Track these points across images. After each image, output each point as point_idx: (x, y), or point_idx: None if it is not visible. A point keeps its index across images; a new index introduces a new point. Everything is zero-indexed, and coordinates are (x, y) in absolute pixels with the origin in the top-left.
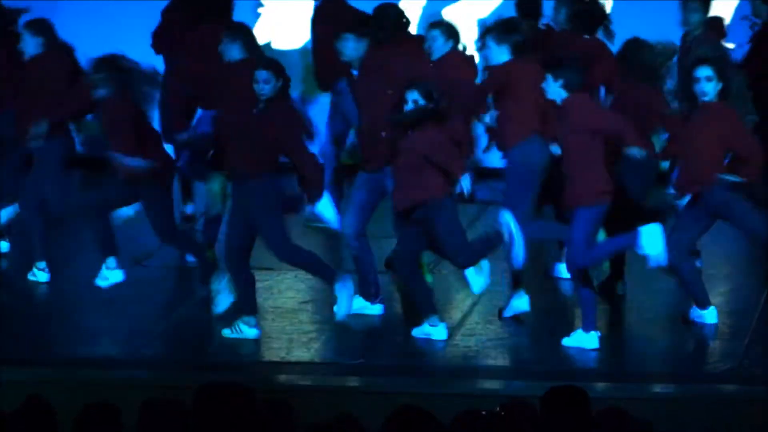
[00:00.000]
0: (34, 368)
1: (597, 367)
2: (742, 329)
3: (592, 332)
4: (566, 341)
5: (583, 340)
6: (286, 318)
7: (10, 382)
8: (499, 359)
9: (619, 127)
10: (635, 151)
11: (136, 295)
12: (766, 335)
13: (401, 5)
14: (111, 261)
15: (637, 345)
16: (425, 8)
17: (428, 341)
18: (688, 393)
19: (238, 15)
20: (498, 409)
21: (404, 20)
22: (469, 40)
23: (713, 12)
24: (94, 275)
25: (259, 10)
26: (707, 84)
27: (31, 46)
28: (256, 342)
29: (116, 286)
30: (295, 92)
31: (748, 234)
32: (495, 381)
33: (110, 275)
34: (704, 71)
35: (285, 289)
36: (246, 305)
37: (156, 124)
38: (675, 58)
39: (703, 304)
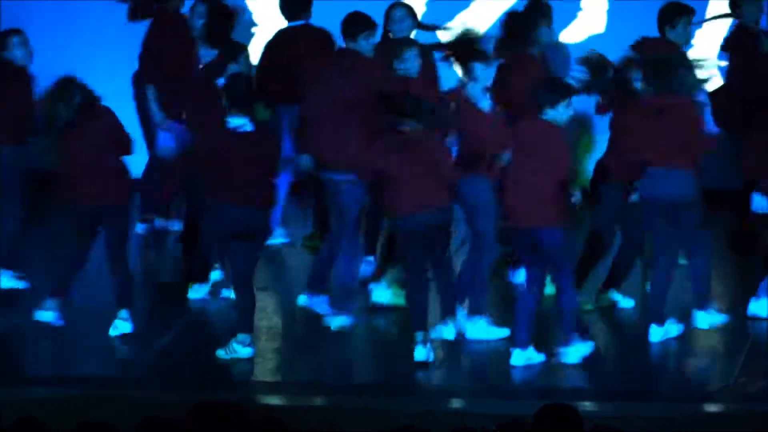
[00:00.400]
0: (27, 387)
1: (589, 385)
2: (736, 347)
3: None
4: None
5: (526, 356)
6: (279, 338)
7: (3, 402)
8: (491, 378)
9: None
10: None
11: (131, 314)
12: (760, 353)
13: None
14: (124, 313)
15: (629, 362)
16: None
17: (421, 360)
18: (682, 411)
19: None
20: (495, 428)
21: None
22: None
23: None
24: (86, 294)
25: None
26: None
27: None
28: (250, 361)
29: (111, 305)
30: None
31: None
32: (488, 400)
33: (121, 326)
34: None
35: (278, 309)
36: (244, 324)
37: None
38: None
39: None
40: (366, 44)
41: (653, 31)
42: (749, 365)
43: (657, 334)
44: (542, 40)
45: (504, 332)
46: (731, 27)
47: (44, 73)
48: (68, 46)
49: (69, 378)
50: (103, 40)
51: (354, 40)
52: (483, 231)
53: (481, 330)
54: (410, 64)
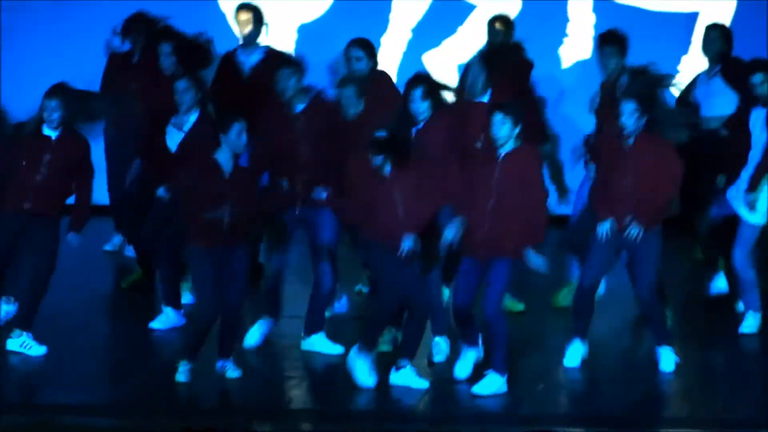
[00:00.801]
0: (13, 415)
1: (575, 411)
2: (724, 373)
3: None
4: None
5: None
6: (268, 362)
7: None
8: (479, 403)
9: None
10: None
11: (117, 341)
12: (749, 379)
13: (381, 51)
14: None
15: (616, 388)
16: (405, 54)
17: (410, 386)
18: None
19: None
20: None
21: None
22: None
23: None
24: (73, 322)
25: None
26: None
27: None
28: (238, 387)
29: (98, 333)
30: None
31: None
32: (476, 426)
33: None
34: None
35: (268, 334)
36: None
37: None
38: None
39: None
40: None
41: (638, 59)
42: (734, 393)
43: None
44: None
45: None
46: None
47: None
48: (68, 46)
49: (55, 405)
50: (102, 40)
51: None
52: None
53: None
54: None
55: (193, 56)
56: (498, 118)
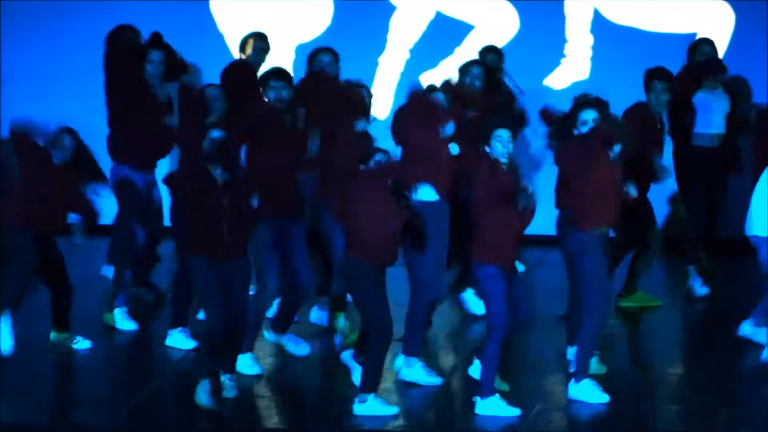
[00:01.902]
0: None
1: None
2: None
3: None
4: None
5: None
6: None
7: None
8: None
9: None
10: None
11: (111, 363)
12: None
13: (379, 71)
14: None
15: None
16: (403, 74)
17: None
18: None
19: None
20: None
21: None
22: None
23: None
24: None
25: None
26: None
27: None
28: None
29: (91, 353)
30: None
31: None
32: None
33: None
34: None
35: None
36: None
37: None
38: None
39: None
40: None
41: (637, 77)
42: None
43: None
44: None
45: (437, 380)
46: None
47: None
48: (69, 45)
49: (50, 426)
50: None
51: None
52: (417, 271)
53: (417, 374)
54: None
55: (174, 70)
56: (509, 135)
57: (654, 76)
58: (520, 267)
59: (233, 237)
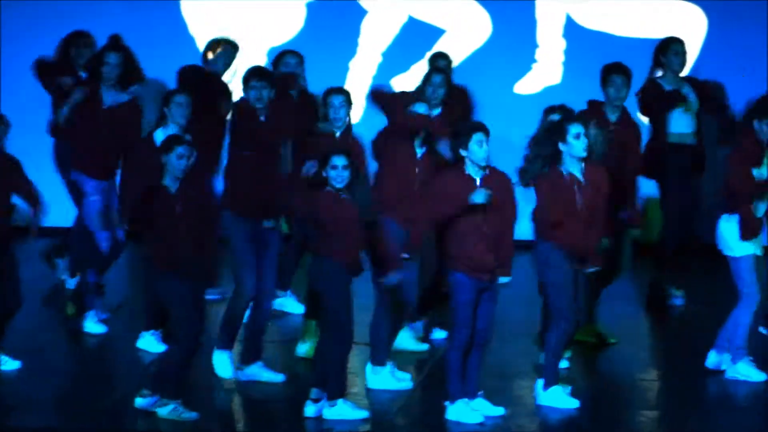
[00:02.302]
0: None
1: None
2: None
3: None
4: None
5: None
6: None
7: None
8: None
9: None
10: None
11: (80, 366)
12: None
13: (351, 75)
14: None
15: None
16: (375, 78)
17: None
18: None
19: None
20: None
21: None
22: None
23: None
24: (33, 343)
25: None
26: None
27: None
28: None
29: (61, 356)
30: None
31: None
32: None
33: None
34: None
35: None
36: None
37: None
38: None
39: None
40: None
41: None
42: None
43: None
44: None
45: (408, 385)
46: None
47: None
48: None
49: (15, 427)
50: (102, 39)
51: None
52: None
53: (385, 380)
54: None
55: (132, 74)
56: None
57: (612, 71)
58: (505, 279)
59: (195, 250)
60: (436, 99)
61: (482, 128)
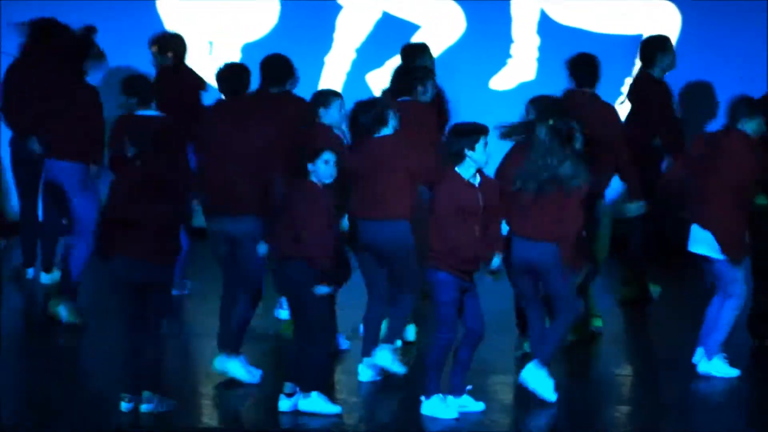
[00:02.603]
0: None
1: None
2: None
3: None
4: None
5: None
6: (209, 383)
7: None
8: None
9: None
10: None
11: (52, 364)
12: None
13: (325, 70)
14: None
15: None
16: (349, 74)
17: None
18: None
19: None
20: None
21: None
22: None
23: None
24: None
25: None
26: None
27: None
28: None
29: (31, 355)
30: None
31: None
32: None
33: None
34: None
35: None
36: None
37: None
38: None
39: None
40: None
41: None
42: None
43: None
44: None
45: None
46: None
47: None
48: None
49: None
50: (102, 39)
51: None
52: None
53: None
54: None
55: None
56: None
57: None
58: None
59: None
60: None
61: (488, 131)
